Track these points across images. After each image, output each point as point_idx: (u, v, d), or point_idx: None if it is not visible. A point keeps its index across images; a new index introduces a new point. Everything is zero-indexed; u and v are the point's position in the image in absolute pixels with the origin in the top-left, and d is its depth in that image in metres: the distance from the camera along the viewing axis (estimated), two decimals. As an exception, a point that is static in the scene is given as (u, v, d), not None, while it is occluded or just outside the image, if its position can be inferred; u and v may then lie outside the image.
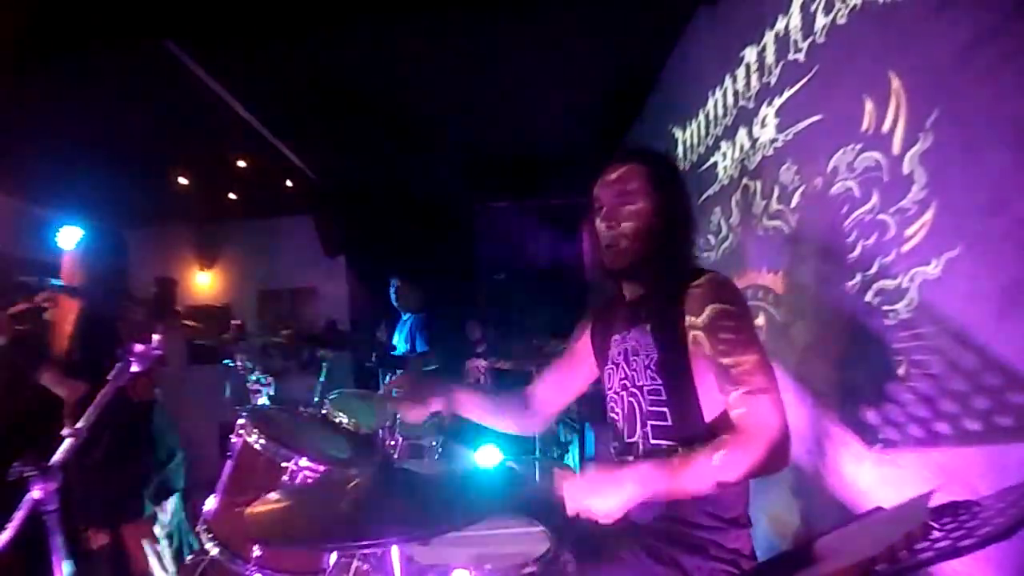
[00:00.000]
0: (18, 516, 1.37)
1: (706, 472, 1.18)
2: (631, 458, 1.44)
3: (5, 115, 3.55)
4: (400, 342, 4.56)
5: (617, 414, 1.50)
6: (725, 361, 1.26)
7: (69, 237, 2.47)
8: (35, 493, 1.39)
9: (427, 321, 4.46)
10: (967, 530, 0.70)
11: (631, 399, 1.45)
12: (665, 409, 1.38)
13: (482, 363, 4.06)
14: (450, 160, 5.05)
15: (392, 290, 4.53)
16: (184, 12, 2.85)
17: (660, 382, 1.38)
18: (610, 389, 1.54)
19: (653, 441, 1.39)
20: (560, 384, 1.74)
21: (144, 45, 3.02)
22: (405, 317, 4.60)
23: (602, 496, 1.16)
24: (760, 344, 1.31)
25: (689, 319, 1.34)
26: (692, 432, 1.34)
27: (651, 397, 1.40)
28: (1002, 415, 1.23)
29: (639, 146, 1.56)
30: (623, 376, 1.47)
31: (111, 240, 2.50)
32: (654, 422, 1.39)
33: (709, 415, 1.34)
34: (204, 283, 6.63)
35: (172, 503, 2.48)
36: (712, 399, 1.33)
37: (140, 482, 2.30)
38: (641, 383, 1.42)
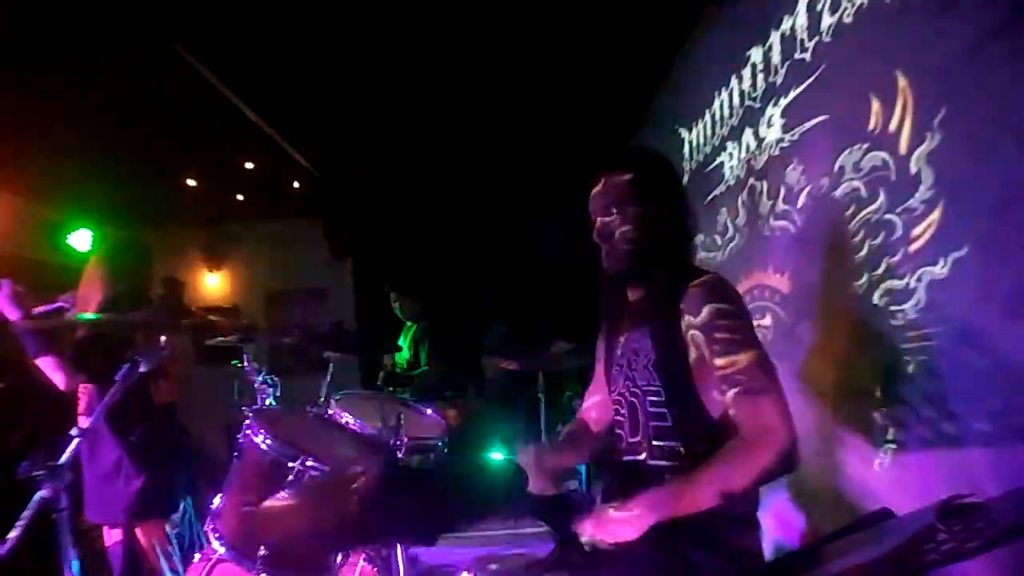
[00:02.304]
0: (27, 515, 1.38)
1: (713, 488, 1.19)
2: (636, 458, 1.44)
3: (14, 117, 3.58)
4: (405, 347, 4.58)
5: (622, 416, 1.50)
6: (721, 361, 1.26)
7: (82, 240, 2.49)
8: (44, 492, 1.41)
9: (429, 331, 4.50)
10: (975, 532, 0.69)
11: (633, 399, 1.45)
12: (665, 410, 1.37)
13: (499, 361, 4.06)
14: (455, 161, 5.06)
15: (393, 301, 4.57)
16: (192, 15, 2.87)
17: (659, 383, 1.38)
18: (614, 391, 1.54)
19: (655, 442, 1.39)
20: (603, 402, 1.72)
21: (153, 47, 3.04)
22: (409, 324, 4.63)
23: (615, 531, 1.21)
24: (759, 344, 1.29)
25: (687, 319, 1.34)
26: (694, 433, 1.33)
27: (651, 398, 1.40)
28: (1011, 416, 1.22)
29: (626, 152, 1.58)
30: (627, 378, 1.47)
31: (136, 249, 2.51)
32: (656, 423, 1.39)
33: (713, 415, 1.34)
34: (212, 284, 6.66)
35: (183, 503, 2.49)
36: (715, 399, 1.33)
37: (159, 483, 2.28)
38: (642, 384, 1.41)
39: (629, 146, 4.43)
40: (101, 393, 2.20)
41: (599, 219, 1.49)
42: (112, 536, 2.31)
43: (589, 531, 1.24)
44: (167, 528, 2.36)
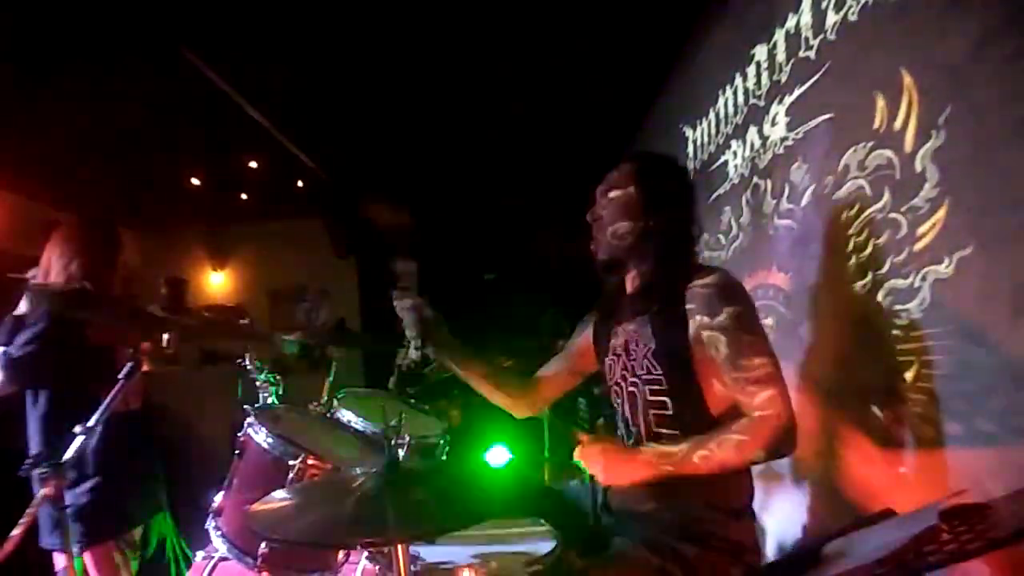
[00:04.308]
0: (29, 513, 1.39)
1: (712, 456, 1.25)
2: (633, 445, 1.45)
3: (19, 117, 3.60)
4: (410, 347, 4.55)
5: (619, 404, 1.52)
6: (742, 363, 1.29)
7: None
8: (46, 490, 1.41)
9: None
10: (977, 533, 0.69)
11: (632, 388, 1.47)
12: (666, 399, 1.40)
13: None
14: (459, 160, 5.06)
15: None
16: (197, 16, 2.87)
17: (660, 372, 1.41)
18: (611, 380, 1.56)
19: (656, 429, 1.41)
20: (560, 375, 1.79)
21: (157, 48, 3.05)
22: None
23: (612, 467, 1.30)
24: (768, 341, 1.34)
25: (701, 319, 1.35)
26: (694, 421, 1.36)
27: (651, 387, 1.42)
28: (1015, 416, 1.21)
29: (634, 153, 1.62)
30: (623, 366, 1.49)
31: (107, 231, 2.25)
32: (655, 411, 1.42)
33: (714, 406, 1.36)
34: (216, 283, 6.68)
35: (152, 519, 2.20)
36: (717, 391, 1.34)
37: (108, 502, 2.00)
38: (640, 373, 1.44)
39: (638, 150, 4.44)
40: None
41: (603, 219, 1.52)
42: (60, 561, 1.97)
43: (587, 460, 1.32)
44: (122, 552, 2.06)
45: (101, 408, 1.55)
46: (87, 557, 1.99)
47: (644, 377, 1.44)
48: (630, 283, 1.57)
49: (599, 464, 1.32)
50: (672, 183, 1.55)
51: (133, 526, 2.10)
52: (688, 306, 1.37)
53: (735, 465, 1.27)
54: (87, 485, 1.98)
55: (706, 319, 1.34)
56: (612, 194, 1.53)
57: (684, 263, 1.47)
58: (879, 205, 1.62)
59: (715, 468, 1.25)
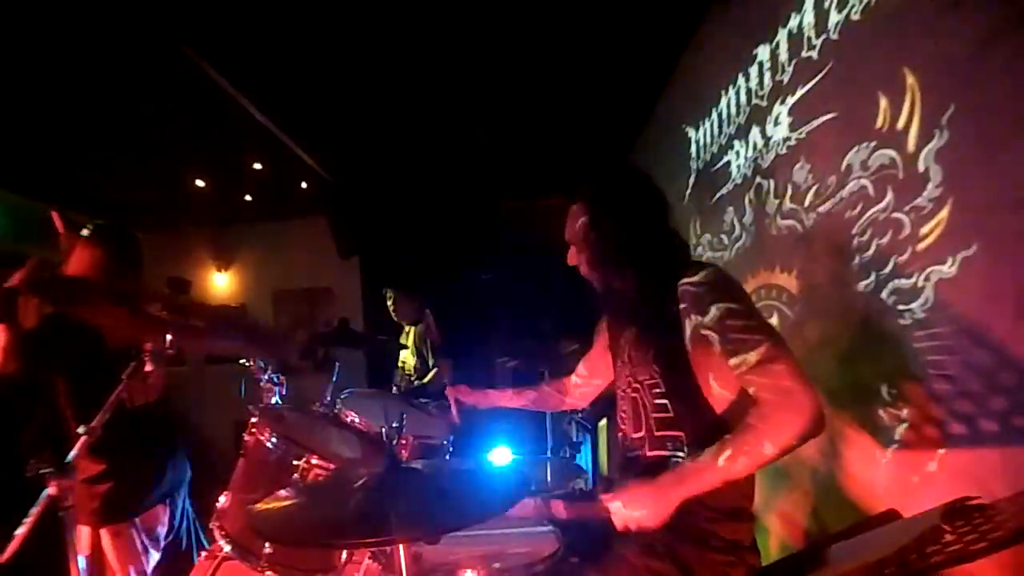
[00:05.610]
0: (35, 512, 1.39)
1: (744, 456, 1.19)
2: (639, 453, 1.44)
3: (24, 119, 3.62)
4: (410, 351, 4.56)
5: (625, 411, 1.51)
6: (737, 360, 1.27)
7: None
8: (51, 490, 1.42)
9: (427, 330, 4.47)
10: (980, 533, 0.68)
11: (635, 394, 1.46)
12: (666, 401, 1.39)
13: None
14: (463, 160, 5.06)
15: (389, 302, 4.50)
16: (199, 16, 2.88)
17: (659, 375, 1.39)
18: (619, 387, 1.55)
19: (658, 433, 1.40)
20: (596, 377, 1.87)
21: (161, 49, 3.06)
22: (407, 328, 4.60)
23: (646, 510, 1.24)
24: (768, 330, 1.28)
25: (695, 319, 1.33)
26: (696, 423, 1.35)
27: (653, 391, 1.41)
28: (1019, 416, 1.21)
29: (582, 185, 1.59)
30: (628, 373, 1.49)
31: (133, 240, 2.34)
32: (657, 415, 1.41)
33: (717, 406, 1.34)
34: (221, 284, 6.70)
35: (181, 502, 2.33)
36: (718, 391, 1.33)
37: (124, 486, 2.10)
38: (643, 378, 1.43)
39: (639, 152, 4.44)
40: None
41: (575, 247, 1.57)
42: (82, 561, 2.10)
43: (617, 509, 1.27)
44: (142, 540, 2.16)
45: (104, 408, 1.56)
46: (107, 543, 2.10)
47: (646, 382, 1.43)
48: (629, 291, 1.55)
49: (634, 513, 1.26)
50: (624, 198, 1.51)
51: (145, 509, 2.19)
52: (681, 306, 1.36)
53: (762, 457, 1.18)
54: (103, 469, 2.06)
55: (699, 318, 1.33)
56: (575, 225, 1.54)
57: (666, 264, 1.43)
58: (882, 205, 1.62)
59: (741, 464, 1.19)
